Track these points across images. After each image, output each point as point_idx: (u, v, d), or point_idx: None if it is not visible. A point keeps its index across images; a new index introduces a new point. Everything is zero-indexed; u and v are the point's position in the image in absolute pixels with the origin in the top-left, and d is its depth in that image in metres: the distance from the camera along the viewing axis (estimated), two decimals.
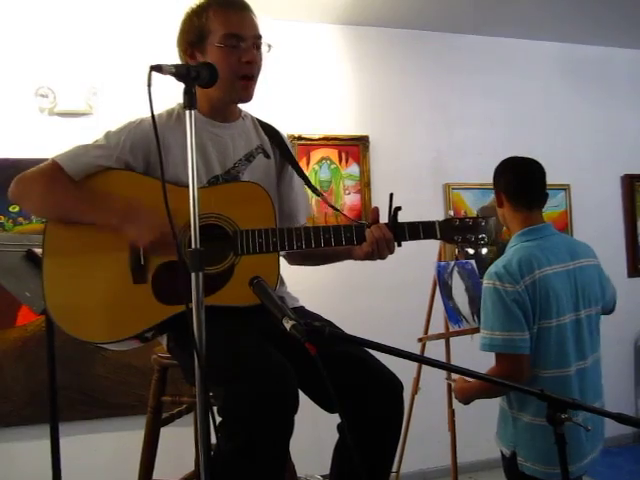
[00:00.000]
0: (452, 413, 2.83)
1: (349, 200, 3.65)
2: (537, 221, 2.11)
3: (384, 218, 1.65)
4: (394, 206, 1.63)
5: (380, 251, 1.61)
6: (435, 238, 1.66)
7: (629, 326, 4.15)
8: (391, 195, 1.62)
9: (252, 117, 1.87)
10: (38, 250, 1.84)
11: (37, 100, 3.11)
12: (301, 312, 1.77)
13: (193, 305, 1.30)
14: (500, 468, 2.13)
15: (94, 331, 1.61)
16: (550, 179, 2.20)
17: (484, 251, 2.10)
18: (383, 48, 3.79)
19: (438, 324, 2.94)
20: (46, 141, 2.95)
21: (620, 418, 1.23)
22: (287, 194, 1.87)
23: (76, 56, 3.16)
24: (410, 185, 3.67)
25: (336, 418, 1.42)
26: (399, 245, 1.64)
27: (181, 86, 1.34)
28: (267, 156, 1.82)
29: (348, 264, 1.80)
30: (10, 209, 3.03)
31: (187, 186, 1.30)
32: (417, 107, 3.84)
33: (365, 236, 1.62)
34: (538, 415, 1.91)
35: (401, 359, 1.26)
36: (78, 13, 3.20)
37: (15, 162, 2.89)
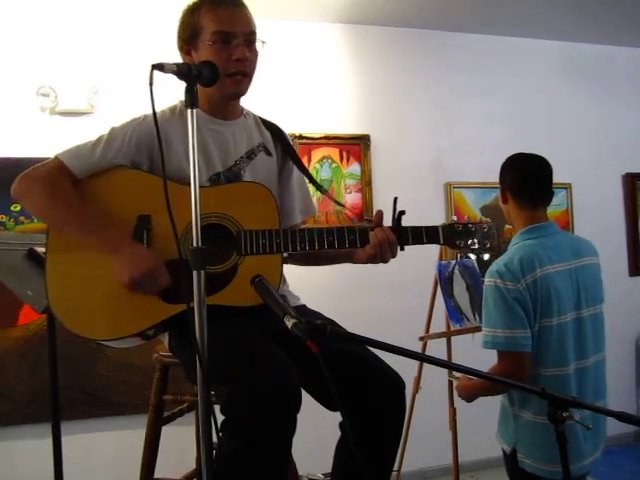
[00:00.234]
0: (453, 412, 2.83)
1: (350, 199, 3.65)
2: (541, 219, 2.10)
3: (387, 222, 1.65)
4: (398, 210, 1.63)
5: (383, 254, 1.61)
6: (438, 243, 1.66)
7: (630, 325, 4.12)
8: (395, 199, 1.62)
9: (254, 115, 1.87)
10: (40, 249, 1.84)
11: (38, 99, 3.12)
12: (303, 311, 1.77)
13: (195, 303, 1.30)
14: (501, 467, 2.13)
15: (96, 328, 1.62)
16: None
17: (486, 257, 2.09)
18: (384, 47, 3.79)
19: (439, 323, 2.94)
20: (47, 140, 2.95)
21: (622, 417, 1.22)
22: (284, 191, 1.87)
23: (77, 55, 3.16)
24: (411, 184, 3.67)
25: (338, 416, 1.42)
26: (402, 249, 1.64)
27: (182, 84, 1.34)
28: (269, 154, 1.82)
29: None
30: (12, 208, 3.03)
31: (189, 183, 1.31)
32: (418, 106, 3.84)
33: (368, 239, 1.61)
34: (539, 413, 1.91)
35: (402, 358, 1.25)
36: (79, 12, 3.20)
37: (16, 161, 2.90)
